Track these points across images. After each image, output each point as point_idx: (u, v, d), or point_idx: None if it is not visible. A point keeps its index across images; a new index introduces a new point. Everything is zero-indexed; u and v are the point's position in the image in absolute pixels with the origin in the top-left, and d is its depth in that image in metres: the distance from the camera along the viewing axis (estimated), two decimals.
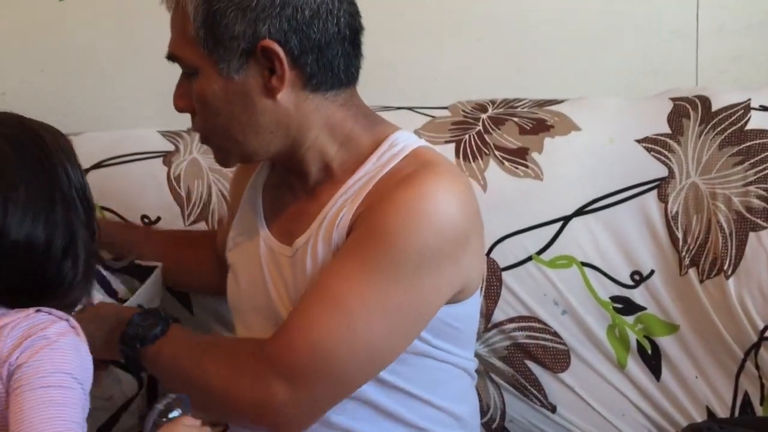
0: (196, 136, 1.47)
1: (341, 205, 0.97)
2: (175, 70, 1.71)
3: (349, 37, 0.98)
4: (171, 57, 0.99)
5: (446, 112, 1.40)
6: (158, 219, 1.42)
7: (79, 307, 0.91)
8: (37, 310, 0.82)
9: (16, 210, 0.80)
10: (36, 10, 1.68)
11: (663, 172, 1.25)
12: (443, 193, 0.94)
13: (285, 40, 0.93)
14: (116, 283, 1.19)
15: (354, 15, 0.99)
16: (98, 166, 1.46)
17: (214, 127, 0.98)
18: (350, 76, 1.00)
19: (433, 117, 1.38)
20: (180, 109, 1.00)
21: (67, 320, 0.83)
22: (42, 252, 0.81)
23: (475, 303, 1.06)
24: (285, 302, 1.01)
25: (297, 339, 0.92)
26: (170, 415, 0.88)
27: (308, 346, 0.91)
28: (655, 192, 1.25)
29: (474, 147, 1.32)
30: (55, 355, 0.79)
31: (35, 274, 0.82)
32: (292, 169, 1.03)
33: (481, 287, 1.09)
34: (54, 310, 0.83)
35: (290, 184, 1.06)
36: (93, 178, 1.43)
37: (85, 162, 1.44)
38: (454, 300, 0.99)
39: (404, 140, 1.00)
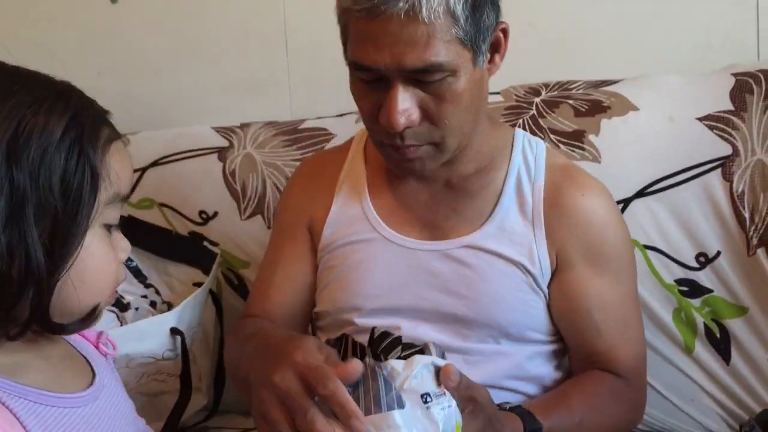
0: (249, 132, 1.50)
1: (509, 214, 1.03)
2: (226, 66, 1.74)
3: None
4: (427, 68, 0.90)
5: (498, 98, 1.38)
6: (215, 214, 1.44)
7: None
8: None
9: None
10: (91, 13, 1.72)
11: (727, 150, 1.22)
12: (611, 199, 1.09)
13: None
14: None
15: None
16: (155, 164, 1.49)
17: (456, 125, 0.95)
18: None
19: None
20: (411, 123, 0.92)
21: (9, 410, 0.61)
22: None
23: None
24: (437, 297, 1.01)
25: (637, 373, 1.06)
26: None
27: (643, 378, 1.07)
28: (719, 171, 1.21)
29: (529, 131, 1.30)
30: None
31: None
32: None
33: None
34: None
35: (423, 177, 1.04)
36: (151, 176, 1.48)
37: (142, 160, 1.50)
38: None
39: (533, 140, 1.09)
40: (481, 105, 0.99)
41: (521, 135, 1.09)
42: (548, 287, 1.04)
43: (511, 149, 1.07)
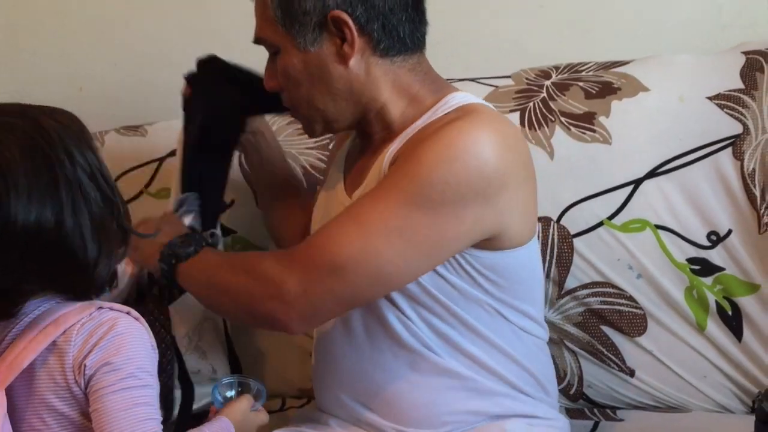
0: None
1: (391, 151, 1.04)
2: (237, 56, 1.75)
3: (412, 4, 1.04)
4: (257, 41, 1.08)
5: (509, 81, 1.39)
6: (232, 202, 1.45)
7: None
8: (99, 308, 0.86)
9: (19, 196, 0.81)
10: (105, 5, 1.74)
11: (737, 128, 1.22)
12: (480, 133, 0.97)
13: (352, 9, 1.01)
14: None
15: None
16: (173, 153, 1.51)
17: (298, 98, 1.07)
18: (416, 41, 1.06)
19: (496, 87, 1.38)
20: (270, 88, 1.09)
21: (128, 313, 0.87)
22: (54, 232, 0.82)
23: (520, 258, 1.03)
24: None
25: (314, 240, 1.01)
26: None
27: (322, 245, 0.99)
28: (729, 150, 1.22)
29: (539, 114, 1.31)
30: (128, 354, 0.83)
31: (59, 256, 0.83)
32: (363, 131, 1.11)
33: (552, 253, 1.10)
34: (114, 305, 0.87)
35: (362, 147, 1.13)
36: (169, 166, 1.50)
37: (158, 150, 1.52)
38: (489, 246, 1.00)
39: (462, 97, 1.05)
40: (331, 87, 1.03)
41: (451, 97, 1.04)
42: None
43: (422, 114, 1.04)
